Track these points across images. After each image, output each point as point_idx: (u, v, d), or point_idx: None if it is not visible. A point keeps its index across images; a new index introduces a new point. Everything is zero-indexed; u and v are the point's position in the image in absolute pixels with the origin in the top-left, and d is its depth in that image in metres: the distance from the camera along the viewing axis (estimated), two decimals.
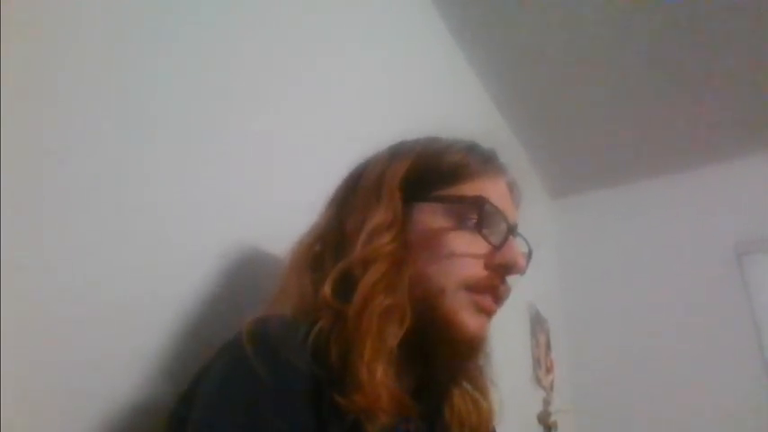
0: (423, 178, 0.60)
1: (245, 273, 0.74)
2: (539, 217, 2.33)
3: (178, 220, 0.68)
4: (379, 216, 0.57)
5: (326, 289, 0.53)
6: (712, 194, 2.20)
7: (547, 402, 1.78)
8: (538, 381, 1.82)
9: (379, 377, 0.48)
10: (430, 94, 1.49)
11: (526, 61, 1.84)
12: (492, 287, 0.57)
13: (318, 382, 0.46)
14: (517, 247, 0.60)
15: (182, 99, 0.72)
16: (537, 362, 1.86)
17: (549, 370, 1.94)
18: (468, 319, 0.56)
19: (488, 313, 0.58)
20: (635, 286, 2.20)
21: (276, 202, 0.83)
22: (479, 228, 0.57)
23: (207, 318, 0.67)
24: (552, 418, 1.73)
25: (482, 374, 0.63)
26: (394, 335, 0.52)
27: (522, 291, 1.94)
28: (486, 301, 0.57)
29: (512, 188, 0.64)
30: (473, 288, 0.56)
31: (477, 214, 0.57)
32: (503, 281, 0.58)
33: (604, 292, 2.27)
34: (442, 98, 1.57)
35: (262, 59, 0.89)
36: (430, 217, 0.59)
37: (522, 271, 0.58)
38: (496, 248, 0.57)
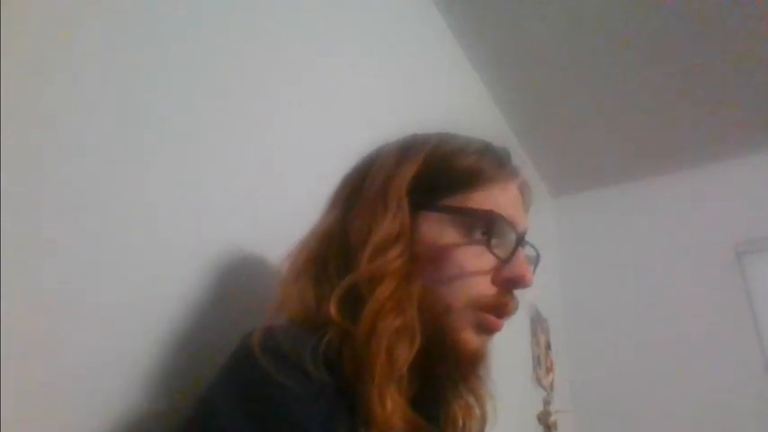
0: (432, 184, 0.58)
1: (245, 274, 0.74)
2: (539, 216, 2.32)
3: (178, 221, 0.68)
4: (386, 227, 0.54)
5: (332, 308, 0.50)
6: (713, 194, 2.20)
7: (547, 402, 1.78)
8: (538, 380, 1.82)
9: (390, 406, 0.46)
10: (431, 93, 1.49)
11: (527, 60, 1.84)
12: (500, 305, 0.56)
13: (339, 394, 0.46)
14: (525, 260, 0.58)
15: (182, 99, 0.72)
16: (537, 361, 1.86)
17: (548, 369, 1.94)
18: (471, 338, 0.55)
19: (493, 332, 0.57)
20: (635, 285, 2.20)
21: (276, 204, 0.83)
22: (488, 242, 0.56)
23: (207, 319, 0.67)
24: (552, 418, 1.73)
25: (479, 382, 0.61)
26: (405, 358, 0.50)
27: (522, 290, 1.93)
28: (492, 320, 0.56)
29: (523, 191, 0.63)
30: (481, 308, 0.55)
31: (487, 228, 0.56)
32: (511, 296, 0.57)
33: (604, 292, 2.27)
34: (444, 97, 1.57)
35: (262, 58, 0.89)
36: (437, 228, 0.57)
37: (528, 286, 0.57)
38: (504, 262, 0.56)
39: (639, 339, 2.09)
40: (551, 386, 1.91)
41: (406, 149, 0.61)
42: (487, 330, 0.56)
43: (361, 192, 0.59)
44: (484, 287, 0.56)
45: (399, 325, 0.50)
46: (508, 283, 0.56)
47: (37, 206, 0.53)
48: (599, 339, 2.19)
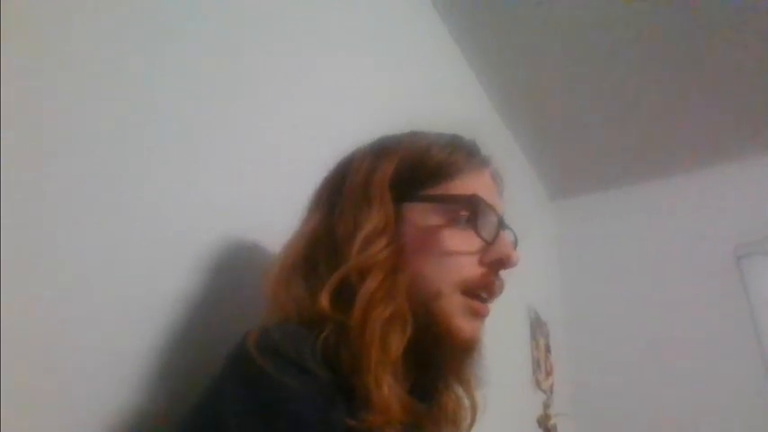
0: (412, 178, 0.60)
1: (244, 273, 0.74)
2: (538, 219, 2.32)
3: (179, 221, 0.68)
4: (372, 220, 0.56)
5: (324, 301, 0.52)
6: (712, 196, 2.20)
7: (546, 405, 1.77)
8: (537, 384, 1.82)
9: (387, 390, 0.47)
10: (429, 95, 1.49)
11: (526, 63, 1.84)
12: (487, 284, 0.58)
13: (338, 388, 0.46)
14: (509, 240, 0.61)
15: (182, 99, 0.72)
16: (537, 365, 1.85)
17: (548, 373, 1.93)
18: (464, 324, 0.56)
19: (482, 317, 0.59)
20: (635, 289, 2.19)
21: (276, 202, 0.83)
22: (474, 224, 0.58)
23: (207, 318, 0.67)
24: (552, 422, 1.72)
25: (470, 373, 0.63)
26: (398, 345, 0.51)
27: (521, 293, 1.95)
28: (479, 305, 0.58)
29: (495, 178, 0.66)
30: (469, 288, 0.57)
31: (470, 211, 0.58)
32: (497, 276, 0.59)
33: (604, 295, 2.26)
34: (442, 99, 1.57)
35: (262, 58, 0.89)
36: (422, 217, 0.59)
37: (514, 264, 0.59)
38: (489, 244, 0.58)
39: (639, 342, 2.09)
40: (551, 389, 1.90)
41: (380, 149, 0.63)
42: (477, 315, 0.58)
43: (343, 192, 0.61)
44: (471, 268, 0.58)
45: (390, 314, 0.52)
46: (495, 264, 0.59)
47: (37, 206, 0.53)
48: (599, 342, 2.19)
